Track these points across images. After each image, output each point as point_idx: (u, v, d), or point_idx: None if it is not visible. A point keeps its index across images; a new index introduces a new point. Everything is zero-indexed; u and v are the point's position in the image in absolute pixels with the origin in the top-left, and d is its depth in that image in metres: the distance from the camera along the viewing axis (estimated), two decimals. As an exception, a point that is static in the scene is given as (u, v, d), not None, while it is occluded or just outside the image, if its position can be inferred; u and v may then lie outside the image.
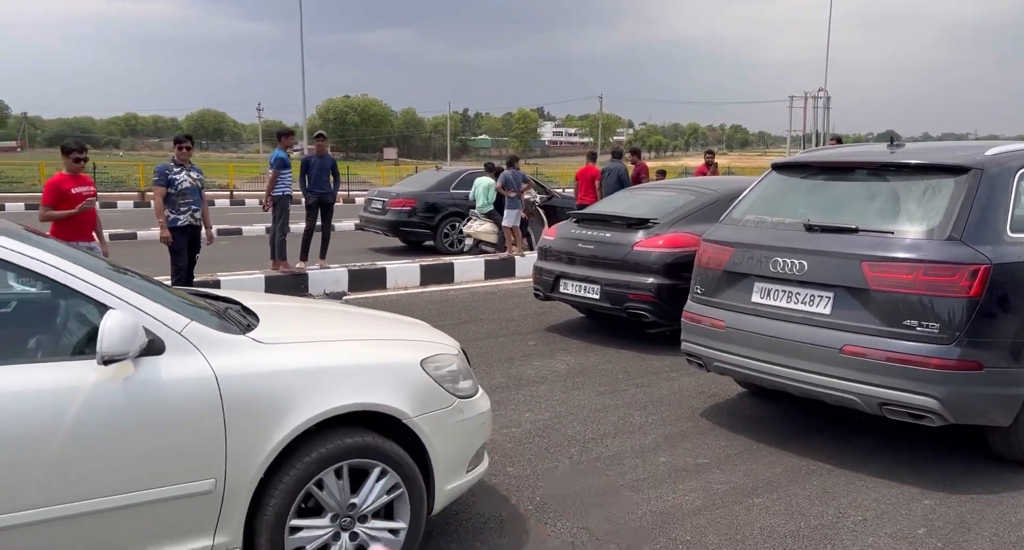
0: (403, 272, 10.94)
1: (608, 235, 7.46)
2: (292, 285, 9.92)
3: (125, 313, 2.61)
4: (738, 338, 4.87)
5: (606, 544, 3.60)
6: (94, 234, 7.12)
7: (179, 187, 8.02)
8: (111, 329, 2.53)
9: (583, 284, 7.49)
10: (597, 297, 7.35)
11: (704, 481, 4.34)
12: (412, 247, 14.67)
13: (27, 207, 22.84)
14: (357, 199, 28.48)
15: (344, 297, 9.84)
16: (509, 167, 12.77)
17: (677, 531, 3.74)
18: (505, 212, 12.41)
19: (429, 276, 11.07)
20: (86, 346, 2.82)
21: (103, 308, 2.68)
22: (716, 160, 16.14)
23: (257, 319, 3.33)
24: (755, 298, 4.85)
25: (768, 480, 4.37)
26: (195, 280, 8.55)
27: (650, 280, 7.02)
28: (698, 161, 23.22)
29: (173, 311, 2.86)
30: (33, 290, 3.28)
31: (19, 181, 30.66)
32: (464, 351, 3.81)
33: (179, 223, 8.05)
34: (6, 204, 22.98)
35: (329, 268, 10.54)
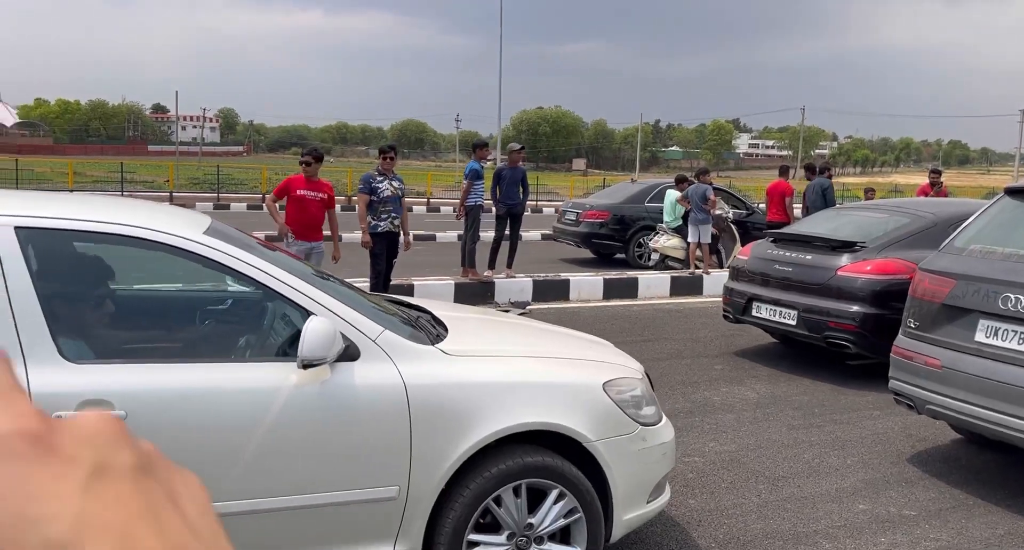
0: (586, 285, 10.89)
1: (809, 257, 7.01)
2: (479, 293, 10.15)
3: (325, 319, 2.72)
4: (957, 380, 4.38)
5: (795, 595, 3.33)
6: (321, 235, 7.72)
7: (381, 195, 8.43)
8: (312, 334, 2.63)
9: (778, 308, 7.08)
10: (793, 323, 6.92)
11: (910, 536, 3.93)
12: (603, 259, 14.61)
13: (249, 207, 25.08)
14: (545, 209, 28.88)
15: (528, 306, 9.94)
16: (697, 179, 12.37)
17: (877, 590, 3.40)
18: (689, 227, 12.03)
19: (612, 290, 10.95)
20: (288, 348, 2.98)
21: (305, 313, 2.81)
22: (942, 181, 13.85)
23: (446, 330, 3.37)
24: (979, 337, 4.34)
25: (985, 542, 3.88)
26: (391, 284, 8.95)
27: (855, 308, 6.52)
28: (911, 179, 21.40)
29: (369, 319, 2.95)
30: (244, 290, 3.51)
31: (243, 183, 33.73)
32: (648, 375, 3.67)
33: (379, 229, 8.46)
34: (231, 204, 25.31)
35: (515, 277, 10.69)
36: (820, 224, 7.80)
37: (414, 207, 27.38)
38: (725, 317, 7.83)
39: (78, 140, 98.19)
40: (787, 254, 7.22)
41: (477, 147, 10.79)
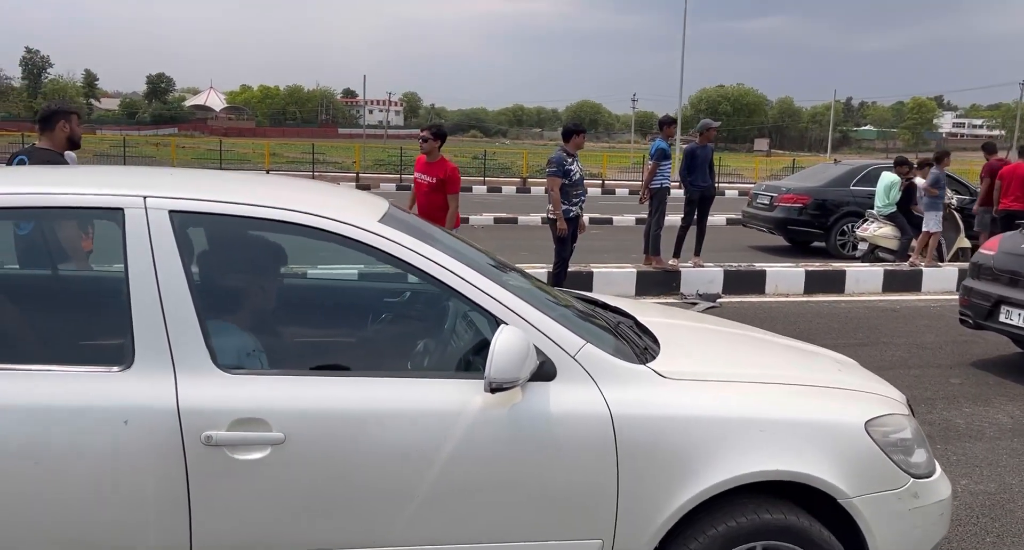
0: (785, 277, 9.86)
1: (1080, 254, 5.77)
2: (664, 282, 9.42)
3: (518, 331, 2.18)
4: None
5: None
6: (442, 223, 7.12)
7: (573, 178, 7.91)
8: (503, 351, 2.11)
9: (1036, 315, 5.89)
10: (1056, 333, 5.72)
11: None
12: (798, 248, 13.39)
13: (397, 188, 25.47)
14: (727, 192, 27.42)
15: (718, 300, 9.11)
16: (938, 163, 10.87)
17: None
18: (926, 215, 10.60)
19: (815, 283, 9.86)
20: (471, 358, 2.48)
21: (493, 320, 2.29)
22: None
23: (656, 343, 2.76)
24: None
25: None
26: (569, 271, 8.43)
27: None
28: None
29: (568, 329, 2.39)
30: (418, 285, 3.05)
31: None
32: (911, 407, 2.89)
33: (571, 214, 7.96)
34: (381, 184, 25.79)
35: (703, 267, 9.85)
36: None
37: (590, 190, 26.84)
38: (963, 321, 6.67)
39: (277, 123, 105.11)
40: (1049, 250, 5.99)
41: (664, 125, 9.98)
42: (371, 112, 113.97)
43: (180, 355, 2.12)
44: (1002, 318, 6.18)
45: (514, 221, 17.39)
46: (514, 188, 27.16)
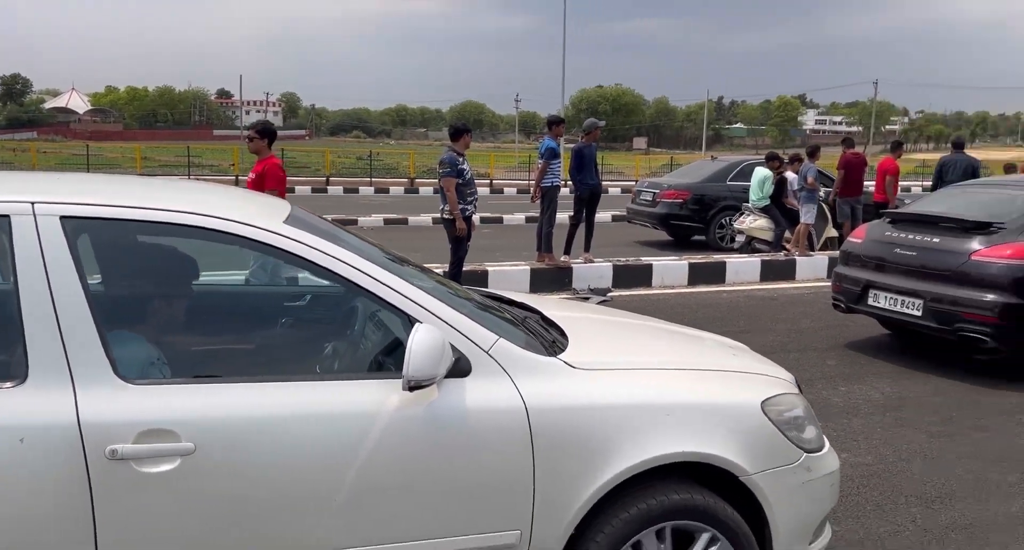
0: (670, 270, 10.23)
1: (935, 240, 6.25)
2: (557, 278, 9.60)
3: (433, 329, 2.20)
4: None
5: None
6: None
7: (466, 177, 7.95)
8: (420, 350, 2.12)
9: (899, 297, 6.35)
10: (918, 314, 6.19)
11: (1115, 580, 3.26)
12: (681, 242, 13.89)
13: (313, 191, 24.96)
14: (610, 190, 28.09)
15: (609, 294, 9.35)
16: (811, 158, 11.55)
17: None
18: (803, 207, 11.25)
19: (698, 275, 10.27)
20: (384, 359, 2.48)
21: (407, 319, 2.29)
22: None
23: (563, 335, 2.83)
24: None
25: None
26: (464, 269, 8.47)
27: (992, 297, 5.77)
28: (988, 154, 19.91)
29: (480, 325, 2.42)
30: (324, 285, 3.01)
31: (307, 166, 33.70)
32: (800, 386, 3.08)
33: (466, 213, 7.99)
34: (296, 187, 25.17)
35: (594, 262, 10.09)
36: (943, 203, 7.01)
37: (478, 189, 26.95)
38: (835, 306, 7.12)
39: (147, 126, 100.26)
40: (909, 237, 6.47)
41: (553, 124, 10.19)
42: (248, 113, 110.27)
43: (79, 367, 2.03)
44: (870, 301, 6.63)
45: (404, 222, 17.28)
46: (402, 189, 26.95)
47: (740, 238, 12.41)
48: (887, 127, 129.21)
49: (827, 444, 2.87)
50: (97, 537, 2.00)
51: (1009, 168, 13.78)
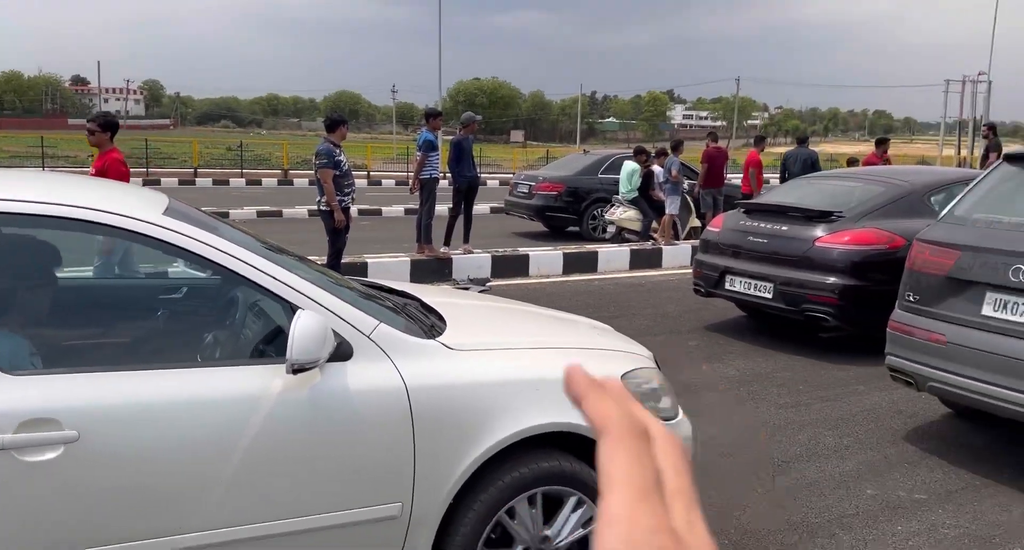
0: (546, 260, 10.57)
1: (784, 228, 6.80)
2: (437, 270, 9.74)
3: (316, 315, 2.31)
4: (964, 356, 4.20)
5: (826, 597, 3.09)
6: None
7: (343, 169, 7.96)
8: (303, 334, 2.23)
9: (753, 281, 6.87)
10: (769, 296, 6.72)
11: (926, 523, 3.73)
12: (556, 233, 14.30)
13: (180, 183, 24.00)
14: (489, 182, 28.39)
15: (488, 283, 9.58)
16: (674, 151, 12.15)
17: (907, 586, 3.19)
18: (668, 199, 11.85)
19: (572, 265, 10.66)
20: (265, 347, 2.57)
21: (289, 306, 2.40)
22: (888, 153, 13.34)
23: (441, 320, 2.99)
24: (987, 311, 4.16)
25: (1004, 527, 3.72)
26: (343, 261, 8.48)
27: (833, 280, 6.34)
28: (839, 148, 21.44)
29: (361, 311, 2.55)
30: (200, 277, 3.07)
31: (173, 157, 32.31)
32: (657, 361, 3.37)
33: (343, 204, 8.00)
34: (161, 179, 24.17)
35: (473, 253, 10.30)
36: (792, 193, 7.60)
37: (355, 181, 26.62)
38: (696, 291, 7.60)
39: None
40: (761, 225, 7.00)
41: (430, 117, 10.28)
42: (107, 101, 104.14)
43: (-47, 360, 2.03)
44: (727, 286, 7.13)
45: (279, 214, 16.93)
46: (275, 180, 26.29)
47: (611, 229, 12.92)
48: (748, 122, 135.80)
49: (681, 413, 3.16)
50: (-22, 528, 2.02)
51: (851, 162, 14.93)
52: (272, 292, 2.41)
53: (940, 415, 5.26)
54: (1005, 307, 4.09)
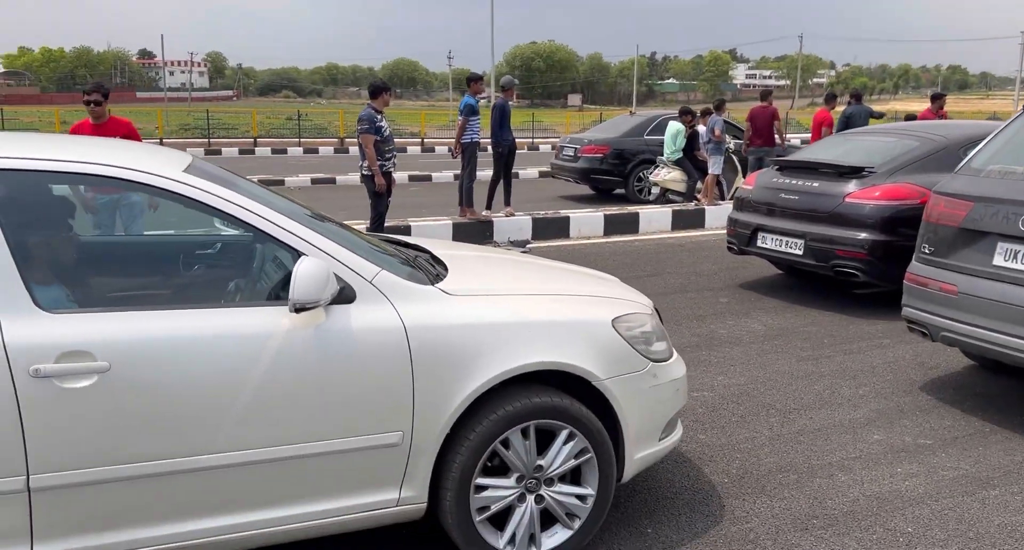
0: (586, 221, 10.70)
1: (815, 185, 6.81)
2: (478, 232, 9.97)
3: (317, 260, 2.55)
4: (974, 306, 4.24)
5: (814, 529, 3.25)
6: None
7: (384, 134, 8.21)
8: (303, 276, 2.47)
9: (784, 238, 6.92)
10: (800, 253, 6.77)
11: (927, 465, 3.84)
12: (603, 195, 14.37)
13: (241, 152, 24.69)
14: (541, 147, 28.45)
15: (528, 245, 9.78)
16: (716, 111, 12.06)
17: (896, 521, 3.32)
18: (711, 159, 11.81)
19: (613, 226, 10.77)
20: (280, 292, 2.82)
21: (296, 254, 2.64)
22: (944, 109, 12.93)
23: (446, 269, 3.21)
24: (998, 261, 4.19)
25: (1005, 469, 3.80)
26: (386, 225, 8.77)
27: (863, 236, 6.35)
28: (910, 105, 20.95)
29: (364, 259, 2.79)
30: (231, 233, 3.34)
31: (235, 128, 33.14)
32: (657, 310, 3.53)
33: (385, 169, 8.27)
34: (222, 149, 24.90)
35: (514, 216, 10.49)
36: (827, 150, 7.57)
37: (408, 148, 26.98)
38: (730, 249, 7.67)
39: (65, 88, 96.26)
40: (793, 182, 7.02)
41: (471, 81, 10.45)
42: (172, 74, 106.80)
43: (2, 300, 2.33)
44: (759, 243, 7.19)
45: (332, 181, 17.37)
46: (331, 149, 26.82)
47: (656, 190, 12.94)
48: (814, 80, 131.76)
49: (675, 355, 3.33)
50: (26, 444, 2.33)
51: (909, 118, 14.58)
52: (280, 241, 2.65)
53: (962, 366, 5.29)
54: (1016, 257, 4.11)
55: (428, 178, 18.29)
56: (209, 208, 2.62)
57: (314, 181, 17.28)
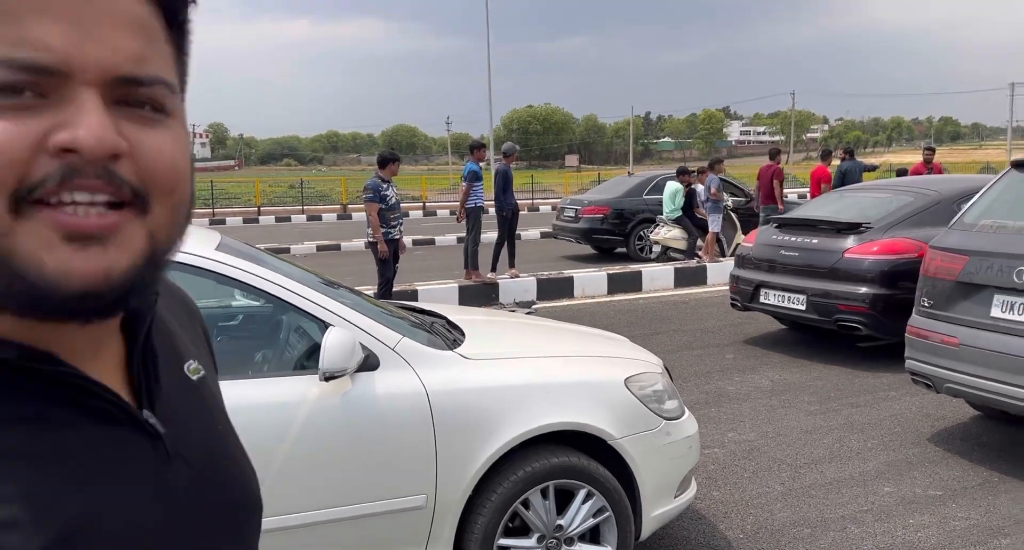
0: (590, 281, 10.86)
1: (815, 241, 6.99)
2: (484, 294, 10.12)
3: (344, 330, 2.68)
4: (975, 357, 4.35)
5: (829, 583, 3.30)
6: None
7: (389, 203, 8.44)
8: (332, 346, 2.60)
9: (787, 294, 7.06)
10: (803, 308, 6.90)
11: (938, 516, 3.90)
12: (604, 255, 14.57)
13: (245, 221, 25.05)
14: (541, 207, 28.84)
15: (534, 305, 9.91)
16: (712, 169, 12.36)
17: (911, 573, 3.37)
18: (710, 217, 12.05)
19: (616, 285, 10.92)
20: (306, 361, 2.95)
21: (323, 325, 2.77)
22: (934, 159, 13.51)
23: (463, 334, 3.34)
24: (995, 312, 4.32)
25: (1016, 519, 3.86)
26: (394, 290, 8.93)
27: (863, 290, 6.49)
28: (904, 158, 21.36)
29: (386, 327, 2.92)
30: (255, 304, 3.48)
31: (237, 197, 33.65)
32: (667, 368, 3.65)
33: (390, 236, 8.47)
34: (226, 218, 25.26)
35: (519, 277, 10.66)
36: (824, 207, 7.77)
37: (410, 212, 27.35)
38: (733, 305, 7.80)
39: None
40: (793, 239, 7.20)
41: (475, 148, 10.75)
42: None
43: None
44: (762, 299, 7.32)
45: (337, 248, 17.61)
46: (335, 215, 27.20)
47: (657, 248, 13.15)
48: (808, 135, 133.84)
49: (687, 413, 3.43)
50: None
51: (900, 172, 14.88)
52: (307, 313, 2.79)
53: (968, 417, 5.37)
54: (1012, 308, 4.24)
55: (431, 241, 18.53)
56: (242, 284, 2.77)
57: (319, 248, 17.51)
